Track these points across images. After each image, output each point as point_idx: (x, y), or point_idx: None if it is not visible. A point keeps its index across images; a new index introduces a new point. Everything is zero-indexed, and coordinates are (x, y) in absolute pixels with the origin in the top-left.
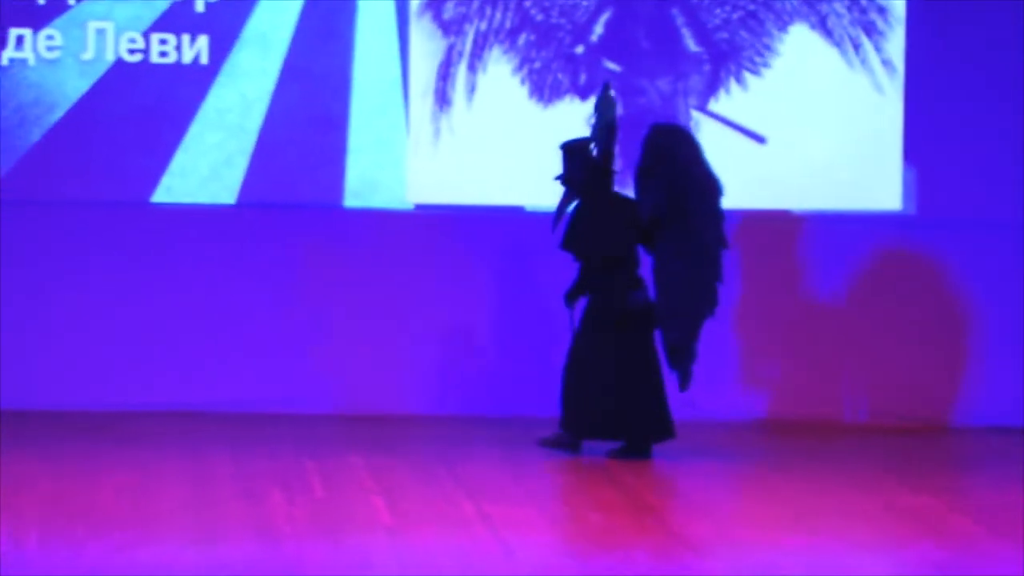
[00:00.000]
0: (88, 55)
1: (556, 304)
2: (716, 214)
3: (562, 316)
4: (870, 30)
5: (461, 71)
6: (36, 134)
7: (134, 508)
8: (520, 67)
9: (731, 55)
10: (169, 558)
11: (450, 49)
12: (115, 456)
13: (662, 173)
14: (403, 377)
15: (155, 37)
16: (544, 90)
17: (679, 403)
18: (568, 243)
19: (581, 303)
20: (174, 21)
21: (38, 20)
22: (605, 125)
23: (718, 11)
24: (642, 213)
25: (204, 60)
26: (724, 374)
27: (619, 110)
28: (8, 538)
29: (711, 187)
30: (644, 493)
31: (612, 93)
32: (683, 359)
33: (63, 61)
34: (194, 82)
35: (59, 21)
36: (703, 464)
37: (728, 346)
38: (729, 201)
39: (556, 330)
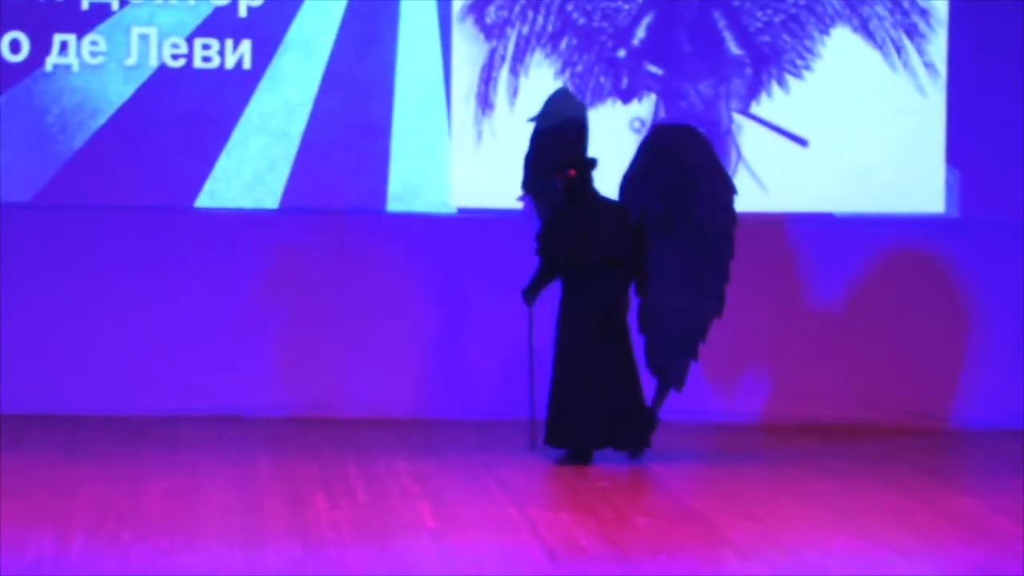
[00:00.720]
0: (131, 61)
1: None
2: (726, 216)
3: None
4: (912, 32)
5: (503, 75)
6: (80, 140)
7: (179, 512)
8: (562, 71)
9: (773, 58)
10: (214, 562)
11: (492, 53)
12: (160, 460)
13: (664, 175)
14: (448, 380)
15: (198, 42)
16: (586, 94)
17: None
18: (544, 248)
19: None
20: (217, 26)
21: (82, 26)
22: (570, 121)
23: (760, 14)
24: (633, 215)
25: (247, 65)
26: (760, 376)
27: (585, 108)
28: (54, 542)
29: (722, 188)
30: (687, 497)
31: (571, 90)
32: (679, 360)
33: (107, 67)
34: (237, 87)
35: (103, 27)
36: (744, 467)
37: (765, 348)
38: (771, 204)
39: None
